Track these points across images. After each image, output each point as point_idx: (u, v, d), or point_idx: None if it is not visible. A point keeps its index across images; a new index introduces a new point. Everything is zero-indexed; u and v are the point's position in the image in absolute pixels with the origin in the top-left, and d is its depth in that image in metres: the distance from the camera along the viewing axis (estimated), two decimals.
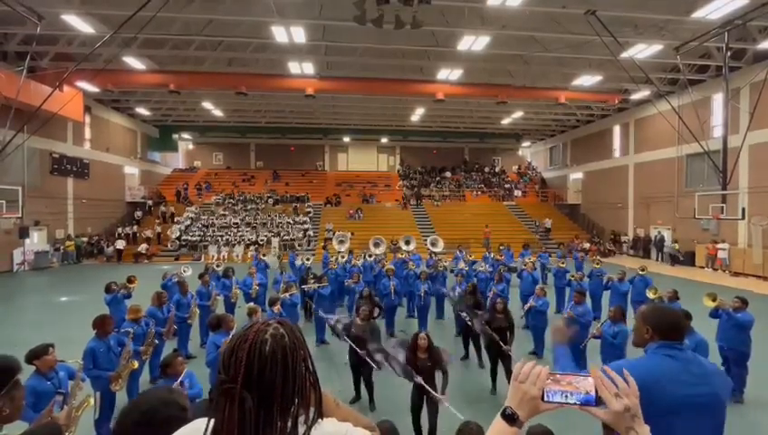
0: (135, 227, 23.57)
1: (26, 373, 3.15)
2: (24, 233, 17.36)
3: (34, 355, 3.49)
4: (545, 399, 0.95)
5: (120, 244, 21.38)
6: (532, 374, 0.97)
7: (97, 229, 22.77)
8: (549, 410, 0.96)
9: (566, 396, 0.95)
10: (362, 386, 5.58)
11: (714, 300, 5.93)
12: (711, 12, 11.74)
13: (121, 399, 5.03)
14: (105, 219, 23.53)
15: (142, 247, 21.25)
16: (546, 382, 0.96)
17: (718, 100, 16.55)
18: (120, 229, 22.82)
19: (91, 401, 3.48)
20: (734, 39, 13.56)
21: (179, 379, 3.65)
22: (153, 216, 25.37)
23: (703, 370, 1.80)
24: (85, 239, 21.47)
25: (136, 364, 5.00)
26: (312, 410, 0.93)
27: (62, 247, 19.97)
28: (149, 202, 26.49)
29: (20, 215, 14.82)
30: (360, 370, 5.50)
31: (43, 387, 3.43)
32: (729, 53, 13.33)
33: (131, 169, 27.09)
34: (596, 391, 0.94)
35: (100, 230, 22.96)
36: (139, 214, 25.04)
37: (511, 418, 0.96)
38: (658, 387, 1.68)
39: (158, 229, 23.45)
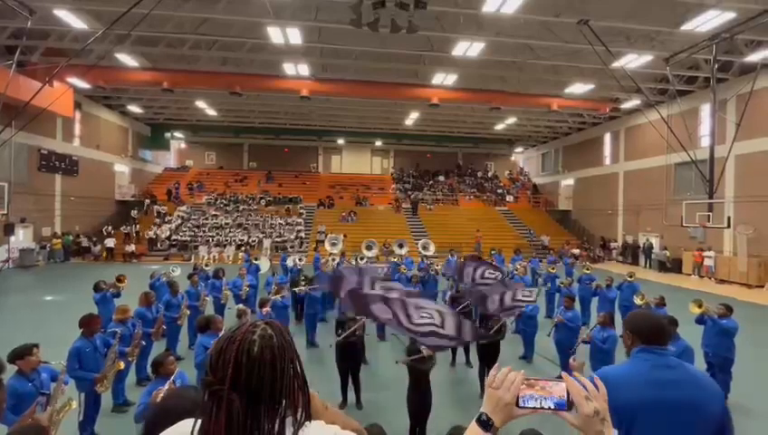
0: (137, 226, 22.99)
1: (7, 374, 3.08)
2: (9, 230, 17.00)
3: (17, 355, 3.42)
4: (520, 404, 0.96)
5: (111, 242, 21.03)
6: (506, 381, 0.98)
7: (85, 228, 22.38)
8: (524, 416, 0.97)
9: (540, 401, 0.96)
10: (349, 392, 5.54)
11: (699, 307, 6.03)
12: (700, 25, 12.01)
13: (106, 401, 4.95)
14: (93, 218, 23.12)
15: (131, 247, 20.94)
16: (521, 388, 0.97)
17: (706, 110, 16.91)
18: (109, 227, 22.38)
19: (74, 403, 3.41)
20: (721, 51, 13.91)
21: (171, 378, 3.59)
22: (149, 215, 24.89)
23: (678, 375, 1.73)
24: (72, 237, 21.09)
25: (122, 365, 4.92)
26: (299, 411, 0.92)
27: (48, 245, 19.61)
28: (147, 201, 25.96)
29: (5, 211, 14.52)
30: (348, 368, 5.47)
31: (25, 388, 3.35)
32: (717, 65, 13.67)
33: (122, 168, 26.72)
34: (567, 396, 0.96)
35: (89, 229, 22.58)
36: (134, 212, 24.43)
37: (485, 424, 0.97)
38: (614, 391, 1.67)
39: (156, 229, 22.99)
